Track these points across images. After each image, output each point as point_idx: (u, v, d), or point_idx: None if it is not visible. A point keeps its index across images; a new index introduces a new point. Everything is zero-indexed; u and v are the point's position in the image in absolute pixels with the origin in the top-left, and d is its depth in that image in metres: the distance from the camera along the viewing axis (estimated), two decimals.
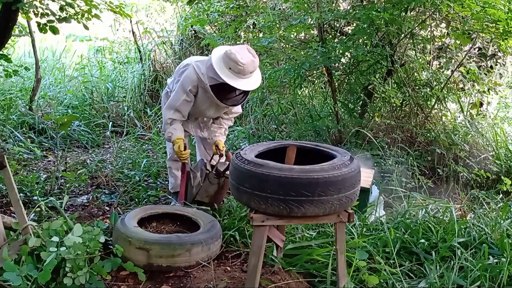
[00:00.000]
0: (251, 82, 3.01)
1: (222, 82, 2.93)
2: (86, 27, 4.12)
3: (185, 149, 3.18)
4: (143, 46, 7.15)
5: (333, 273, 2.32)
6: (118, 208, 3.43)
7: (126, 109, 6.23)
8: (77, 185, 3.91)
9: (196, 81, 3.10)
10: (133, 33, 7.06)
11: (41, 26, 3.92)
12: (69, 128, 5.11)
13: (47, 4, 3.95)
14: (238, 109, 3.46)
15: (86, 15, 4.14)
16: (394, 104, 4.96)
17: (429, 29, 5.14)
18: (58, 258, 2.21)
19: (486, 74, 5.43)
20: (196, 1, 5.77)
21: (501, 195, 3.98)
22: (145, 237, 2.43)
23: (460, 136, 4.74)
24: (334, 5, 5.19)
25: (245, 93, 3.14)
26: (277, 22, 5.20)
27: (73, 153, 4.97)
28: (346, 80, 5.39)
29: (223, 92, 3.04)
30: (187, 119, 3.41)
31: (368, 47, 4.74)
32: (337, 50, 4.79)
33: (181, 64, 3.36)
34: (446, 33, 5.20)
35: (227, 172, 3.14)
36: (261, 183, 1.96)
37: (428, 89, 4.94)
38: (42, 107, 5.98)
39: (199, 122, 3.48)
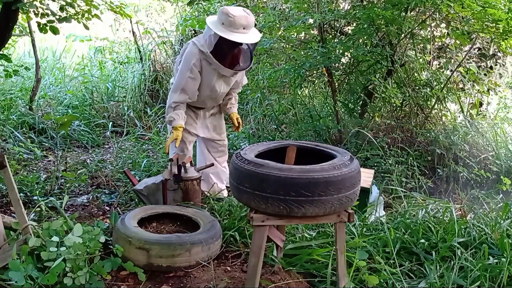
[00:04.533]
0: (246, 36, 3.00)
1: (217, 42, 2.97)
2: (86, 27, 4.12)
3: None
4: (143, 46, 7.15)
5: (333, 273, 2.32)
6: (118, 208, 3.43)
7: (126, 109, 6.23)
8: (77, 185, 3.91)
9: (198, 55, 3.10)
10: (133, 33, 7.06)
11: (41, 26, 3.92)
12: (69, 128, 5.11)
13: (47, 4, 3.95)
14: (244, 80, 3.49)
15: (86, 15, 4.14)
16: (394, 104, 4.96)
17: (429, 29, 5.14)
18: (58, 258, 2.21)
19: (486, 74, 5.43)
20: (197, 2, 5.77)
21: (501, 195, 3.98)
22: (145, 237, 2.43)
23: (460, 136, 4.74)
24: (334, 5, 5.19)
25: (247, 56, 3.15)
26: (277, 22, 5.20)
27: (73, 153, 4.97)
28: (346, 80, 5.40)
29: (224, 55, 3.06)
30: (195, 119, 3.40)
31: (368, 47, 4.74)
32: (337, 50, 4.79)
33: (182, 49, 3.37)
34: (446, 33, 5.20)
35: (190, 175, 3.12)
36: (261, 183, 1.96)
37: (428, 89, 4.94)
38: (42, 107, 5.98)
39: (207, 123, 3.48)
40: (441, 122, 5.03)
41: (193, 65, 3.10)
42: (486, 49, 5.54)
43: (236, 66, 3.14)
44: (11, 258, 2.21)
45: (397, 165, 4.22)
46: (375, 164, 4.23)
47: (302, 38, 5.67)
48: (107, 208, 3.50)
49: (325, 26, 5.01)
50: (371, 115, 5.07)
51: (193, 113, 3.43)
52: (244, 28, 2.98)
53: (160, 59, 7.22)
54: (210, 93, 3.28)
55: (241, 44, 3.03)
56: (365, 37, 4.82)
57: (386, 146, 4.42)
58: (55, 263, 2.16)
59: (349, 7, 5.29)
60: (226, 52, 3.06)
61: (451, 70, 5.19)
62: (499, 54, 5.59)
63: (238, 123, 3.54)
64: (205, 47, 3.07)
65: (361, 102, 5.12)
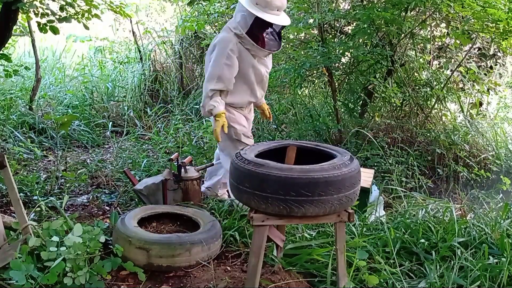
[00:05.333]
0: (281, 18, 3.00)
1: (253, 23, 2.94)
2: (86, 27, 4.11)
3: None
4: (143, 46, 7.15)
5: (333, 273, 2.32)
6: (118, 208, 3.43)
7: (126, 109, 6.23)
8: (77, 185, 3.91)
9: (234, 39, 3.02)
10: (133, 33, 7.06)
11: (41, 26, 3.91)
12: (69, 128, 5.11)
13: (47, 4, 3.94)
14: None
15: (86, 14, 4.13)
16: (394, 104, 4.96)
17: (429, 29, 5.14)
18: (58, 258, 2.21)
19: (486, 74, 5.43)
20: (197, 2, 5.77)
21: (501, 195, 3.98)
22: (145, 237, 2.43)
23: (460, 136, 4.74)
24: (334, 5, 5.19)
25: (278, 35, 3.16)
26: None
27: (73, 153, 4.97)
28: (346, 80, 5.40)
29: (258, 36, 3.05)
30: (248, 125, 3.33)
31: (368, 47, 4.74)
32: (337, 50, 4.79)
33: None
34: (446, 33, 5.20)
35: (190, 175, 3.13)
36: (261, 183, 1.96)
37: (428, 89, 4.94)
38: (42, 107, 5.99)
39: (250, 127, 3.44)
40: (441, 122, 5.03)
41: (230, 51, 3.00)
42: (486, 49, 5.54)
43: (270, 44, 3.13)
44: (11, 258, 2.22)
45: (397, 165, 4.22)
46: (375, 164, 4.23)
47: (302, 38, 5.67)
48: (107, 208, 3.50)
49: (325, 26, 5.01)
50: (371, 115, 5.07)
51: (246, 120, 3.34)
52: (277, 10, 2.98)
53: (160, 59, 7.22)
54: (255, 76, 3.19)
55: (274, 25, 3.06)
56: (365, 37, 4.81)
57: (386, 146, 4.43)
58: (55, 263, 2.16)
59: (349, 7, 5.28)
60: (260, 33, 3.05)
61: (451, 70, 5.19)
62: (499, 54, 5.59)
63: (269, 112, 3.58)
64: (239, 29, 3.00)
65: (361, 102, 5.12)
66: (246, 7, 2.94)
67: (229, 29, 3.06)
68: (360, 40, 4.95)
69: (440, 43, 5.42)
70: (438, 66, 5.53)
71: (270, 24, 3.02)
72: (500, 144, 4.95)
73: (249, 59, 3.11)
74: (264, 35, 3.12)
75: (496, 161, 4.59)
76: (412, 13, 4.92)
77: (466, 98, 5.45)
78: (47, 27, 3.88)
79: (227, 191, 3.52)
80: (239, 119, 3.25)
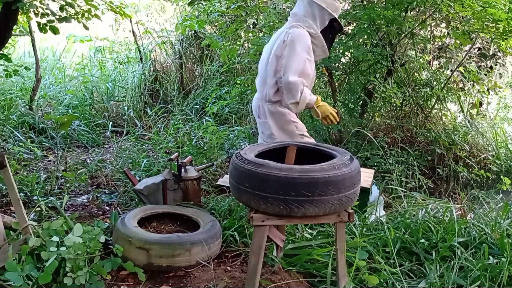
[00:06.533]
0: None
1: (327, 25, 3.00)
2: (86, 27, 4.12)
3: None
4: (143, 46, 7.15)
5: (333, 273, 2.32)
6: (118, 208, 3.43)
7: (126, 109, 6.24)
8: (77, 185, 3.91)
9: (309, 37, 2.99)
10: (133, 33, 7.06)
11: (41, 26, 3.92)
12: (69, 128, 5.11)
13: (47, 4, 3.95)
14: None
15: (86, 15, 4.14)
16: (394, 104, 4.96)
17: (429, 29, 5.14)
18: (58, 258, 2.21)
19: (486, 74, 5.43)
20: (197, 2, 5.77)
21: (501, 195, 3.98)
22: (145, 237, 2.44)
23: (460, 136, 4.74)
24: None
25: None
26: (278, 21, 5.20)
27: (73, 153, 4.97)
28: (346, 80, 5.39)
29: (330, 37, 3.09)
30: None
31: (368, 47, 4.74)
32: (337, 50, 4.79)
33: (276, 37, 3.10)
34: (446, 33, 5.20)
35: (190, 175, 3.13)
36: (261, 183, 1.95)
37: (428, 89, 4.94)
38: (42, 107, 5.99)
39: None
40: (441, 122, 5.03)
41: (309, 47, 2.97)
42: (486, 49, 5.54)
43: (329, 49, 3.17)
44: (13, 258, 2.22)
45: (397, 165, 4.22)
46: (375, 164, 4.23)
47: None
48: (107, 208, 3.50)
49: None
50: (371, 115, 5.07)
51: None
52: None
53: (160, 59, 7.22)
54: (312, 76, 3.13)
55: (341, 30, 3.20)
56: (365, 37, 4.81)
57: (386, 146, 4.42)
58: (49, 262, 2.17)
59: (349, 7, 5.28)
60: (327, 35, 3.07)
61: (451, 70, 5.19)
62: (499, 54, 5.60)
63: None
64: (314, 28, 2.98)
65: (361, 102, 5.11)
66: (328, 9, 2.98)
67: (301, 27, 3.01)
68: (360, 40, 4.95)
69: (440, 43, 5.42)
70: (438, 66, 5.53)
71: (341, 29, 3.13)
72: (500, 144, 4.95)
73: (313, 59, 3.09)
74: (330, 37, 3.15)
75: (496, 161, 4.59)
76: (412, 13, 4.92)
77: (466, 98, 5.45)
78: (47, 27, 3.89)
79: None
80: (295, 117, 3.14)
